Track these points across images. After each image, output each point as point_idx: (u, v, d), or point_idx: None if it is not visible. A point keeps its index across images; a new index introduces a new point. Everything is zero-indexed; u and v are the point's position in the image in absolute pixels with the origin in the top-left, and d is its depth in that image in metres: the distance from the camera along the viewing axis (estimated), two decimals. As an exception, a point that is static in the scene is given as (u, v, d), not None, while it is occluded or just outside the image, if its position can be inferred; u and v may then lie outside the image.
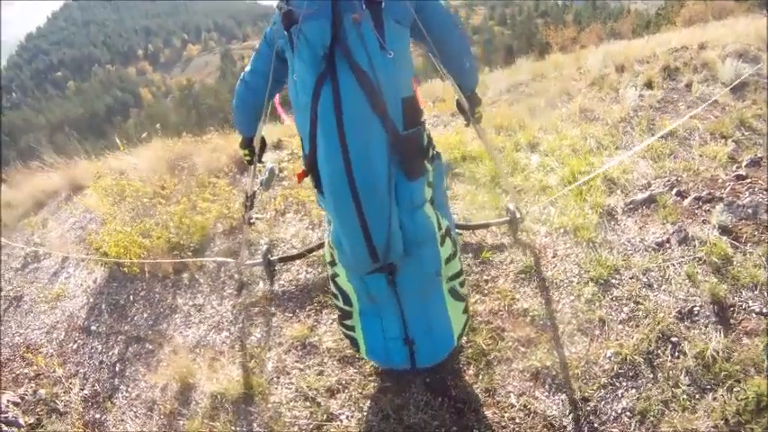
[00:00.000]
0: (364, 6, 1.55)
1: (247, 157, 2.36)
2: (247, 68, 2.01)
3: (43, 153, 5.87)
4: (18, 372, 2.85)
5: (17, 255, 4.07)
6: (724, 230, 2.53)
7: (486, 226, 2.88)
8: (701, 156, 3.24)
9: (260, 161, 2.36)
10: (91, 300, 3.19)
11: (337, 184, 1.65)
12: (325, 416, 2.12)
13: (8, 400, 2.57)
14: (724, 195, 2.77)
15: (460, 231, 2.91)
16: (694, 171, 3.08)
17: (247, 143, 2.29)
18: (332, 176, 1.66)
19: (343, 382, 2.23)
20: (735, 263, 2.35)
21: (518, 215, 2.76)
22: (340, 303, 2.04)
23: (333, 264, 1.97)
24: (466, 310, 2.06)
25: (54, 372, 2.77)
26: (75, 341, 2.95)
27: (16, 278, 3.70)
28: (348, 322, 2.05)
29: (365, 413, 2.09)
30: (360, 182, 1.62)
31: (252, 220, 2.72)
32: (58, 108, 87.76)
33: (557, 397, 1.99)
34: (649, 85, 4.51)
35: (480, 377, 2.12)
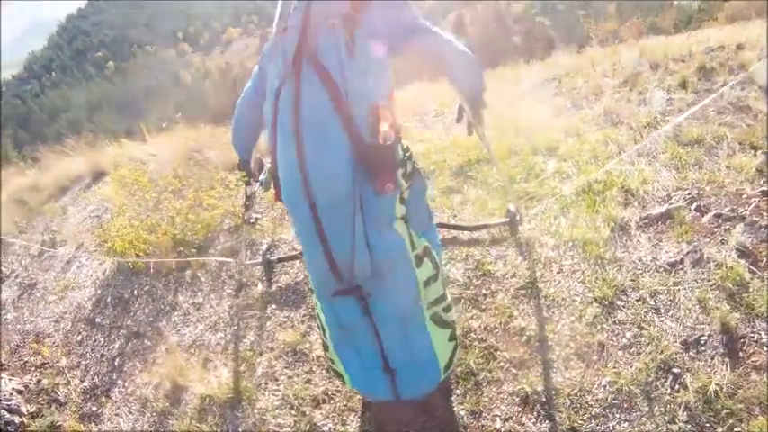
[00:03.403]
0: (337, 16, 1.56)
1: (245, 179, 2.36)
2: (248, 84, 2.00)
3: (70, 139, 6.06)
4: (26, 359, 2.95)
5: (36, 240, 4.20)
6: (742, 253, 2.37)
7: (484, 227, 2.81)
8: (727, 167, 3.04)
9: (257, 180, 2.33)
10: (98, 292, 3.27)
11: (292, 184, 1.58)
12: (308, 426, 2.10)
13: (13, 388, 2.67)
14: (746, 213, 2.59)
15: (457, 234, 2.84)
16: (718, 184, 2.90)
17: (244, 165, 2.28)
18: (286, 177, 1.60)
19: (330, 393, 2.21)
20: (751, 289, 2.19)
21: (518, 216, 2.68)
22: (322, 334, 1.95)
23: (312, 291, 1.89)
24: (452, 338, 1.93)
25: (58, 362, 2.86)
26: (80, 332, 3.03)
27: (32, 265, 3.83)
28: (328, 354, 1.96)
29: (347, 426, 2.07)
30: (315, 183, 1.54)
31: (251, 220, 2.72)
32: (98, 88, 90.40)
33: (544, 424, 1.91)
34: (683, 85, 4.28)
35: (467, 397, 2.05)
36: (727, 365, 1.94)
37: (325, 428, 2.09)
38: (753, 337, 2.02)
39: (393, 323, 1.76)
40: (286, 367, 2.38)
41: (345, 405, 2.15)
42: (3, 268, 3.95)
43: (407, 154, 1.75)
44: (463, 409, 2.03)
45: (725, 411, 1.81)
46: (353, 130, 1.54)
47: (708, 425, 1.80)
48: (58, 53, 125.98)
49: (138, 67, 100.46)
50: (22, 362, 2.93)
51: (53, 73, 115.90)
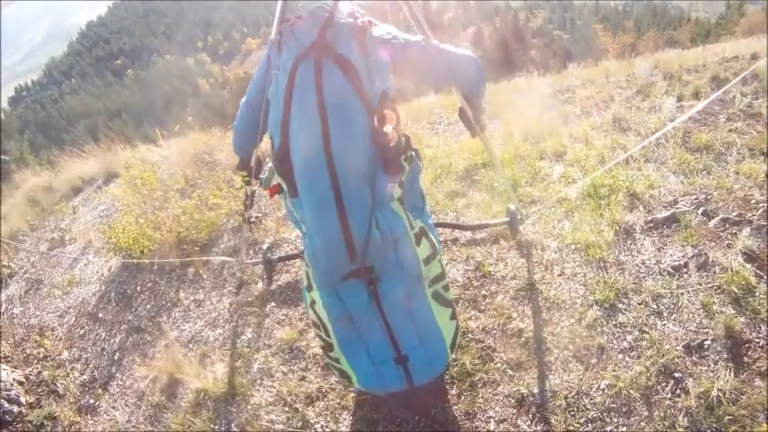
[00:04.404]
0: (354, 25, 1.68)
1: (245, 179, 2.39)
2: (251, 86, 2.04)
3: (84, 143, 6.17)
4: (29, 352, 2.98)
5: (46, 238, 4.27)
6: (749, 257, 2.31)
7: (485, 226, 2.81)
8: (736, 173, 2.99)
9: (257, 178, 2.36)
10: (103, 288, 3.30)
11: (314, 159, 1.58)
12: (300, 423, 2.08)
13: (14, 379, 2.69)
14: (754, 218, 2.54)
15: (458, 233, 2.82)
16: (727, 189, 2.85)
17: (244, 165, 2.31)
18: (306, 152, 1.60)
19: (324, 391, 2.19)
20: (757, 294, 2.14)
21: (519, 216, 2.68)
22: (322, 334, 1.92)
23: (309, 288, 1.86)
24: (454, 317, 1.93)
25: (60, 355, 2.88)
26: (83, 327, 3.05)
27: (41, 261, 3.88)
28: (332, 354, 1.92)
29: (340, 425, 2.05)
30: (339, 158, 1.56)
31: (252, 219, 2.73)
32: (117, 95, 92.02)
33: (539, 427, 1.87)
34: (696, 95, 4.24)
35: (462, 398, 2.02)
36: (730, 371, 1.89)
37: (318, 426, 2.07)
38: (758, 342, 1.96)
39: (399, 304, 1.74)
40: (282, 364, 2.37)
41: (339, 403, 2.13)
42: (12, 264, 4.01)
43: (406, 139, 1.78)
44: (458, 409, 1.99)
45: (727, 418, 1.76)
46: (371, 107, 1.60)
47: (709, 431, 1.74)
48: (77, 59, 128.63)
49: (157, 75, 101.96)
50: (25, 354, 2.96)
51: (73, 79, 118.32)
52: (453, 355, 2.10)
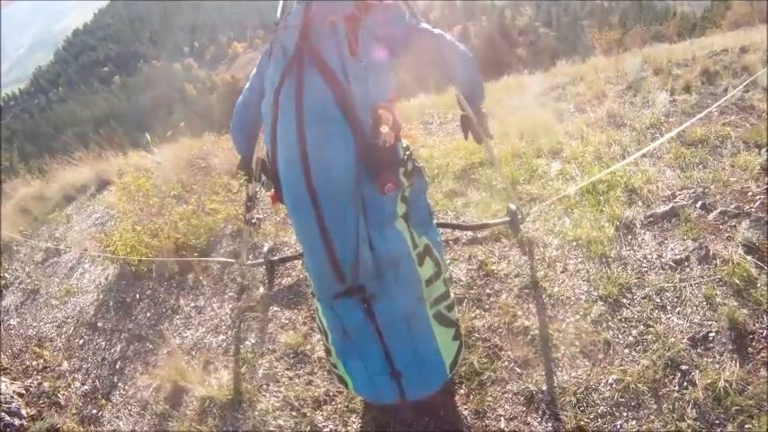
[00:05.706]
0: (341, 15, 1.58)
1: (245, 177, 2.36)
2: (246, 86, 2.00)
3: (75, 151, 6.10)
4: (28, 363, 2.94)
5: (41, 248, 4.21)
6: (749, 249, 2.33)
7: (485, 226, 2.81)
8: (732, 166, 3.02)
9: (258, 180, 2.33)
10: (101, 296, 3.26)
11: (294, 182, 1.54)
12: (309, 427, 2.07)
13: (14, 391, 2.65)
14: (752, 210, 2.56)
15: (457, 233, 2.82)
16: (723, 182, 2.87)
17: (244, 164, 2.27)
18: (288, 175, 1.56)
19: (331, 394, 2.18)
20: (758, 285, 2.15)
21: (519, 215, 2.68)
22: (324, 339, 1.91)
23: (314, 295, 1.84)
24: (457, 337, 1.91)
25: (60, 365, 2.84)
26: (82, 336, 3.02)
27: (36, 271, 3.83)
28: (331, 359, 1.92)
29: (349, 428, 2.03)
30: (318, 180, 1.51)
31: (253, 221, 2.70)
32: (104, 102, 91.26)
33: (549, 424, 1.87)
34: (687, 89, 4.27)
35: (471, 398, 2.02)
36: (735, 362, 1.90)
37: (326, 430, 2.06)
38: (761, 333, 1.98)
39: (397, 324, 1.72)
40: (287, 369, 2.36)
41: (347, 406, 2.12)
42: (6, 275, 3.95)
43: (407, 153, 1.73)
44: (467, 409, 1.99)
45: (734, 408, 1.77)
46: (358, 127, 1.53)
47: (717, 422, 1.76)
48: (64, 68, 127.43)
49: (144, 81, 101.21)
50: (23, 366, 2.92)
51: (60, 87, 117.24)
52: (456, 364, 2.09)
